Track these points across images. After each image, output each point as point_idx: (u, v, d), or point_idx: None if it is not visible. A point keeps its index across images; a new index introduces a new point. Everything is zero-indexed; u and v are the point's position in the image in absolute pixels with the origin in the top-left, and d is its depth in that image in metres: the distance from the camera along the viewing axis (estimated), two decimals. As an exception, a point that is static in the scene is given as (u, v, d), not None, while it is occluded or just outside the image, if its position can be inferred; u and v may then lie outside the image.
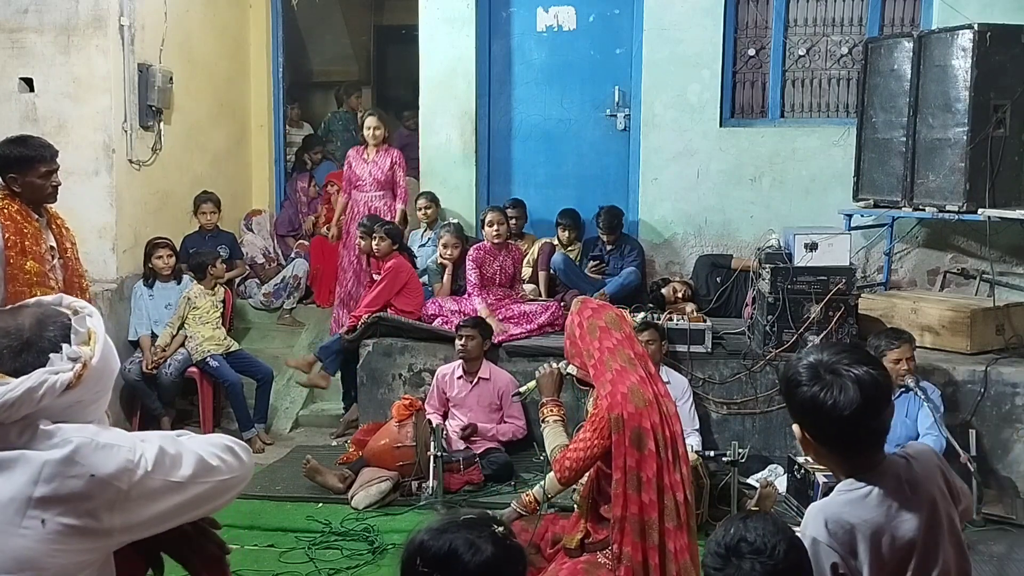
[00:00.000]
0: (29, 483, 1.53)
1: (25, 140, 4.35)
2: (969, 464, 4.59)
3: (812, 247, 5.42)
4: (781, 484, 4.97)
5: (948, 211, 5.67)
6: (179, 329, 6.30)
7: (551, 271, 6.64)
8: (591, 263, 6.77)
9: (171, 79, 6.79)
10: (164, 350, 6.22)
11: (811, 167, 6.78)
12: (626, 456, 3.16)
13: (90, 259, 5.87)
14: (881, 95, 6.06)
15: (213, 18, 7.56)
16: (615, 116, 7.19)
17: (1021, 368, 5.29)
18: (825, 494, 2.47)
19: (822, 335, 5.31)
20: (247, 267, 7.48)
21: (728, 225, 6.95)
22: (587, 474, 3.39)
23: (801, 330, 5.36)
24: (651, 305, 6.25)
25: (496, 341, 5.81)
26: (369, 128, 6.97)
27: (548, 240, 6.94)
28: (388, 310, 6.10)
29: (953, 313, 5.53)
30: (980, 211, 5.54)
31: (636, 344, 3.42)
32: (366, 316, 6.05)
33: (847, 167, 6.39)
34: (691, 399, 5.41)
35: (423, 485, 5.03)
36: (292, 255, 7.70)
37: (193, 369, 6.24)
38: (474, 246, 6.38)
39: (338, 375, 6.37)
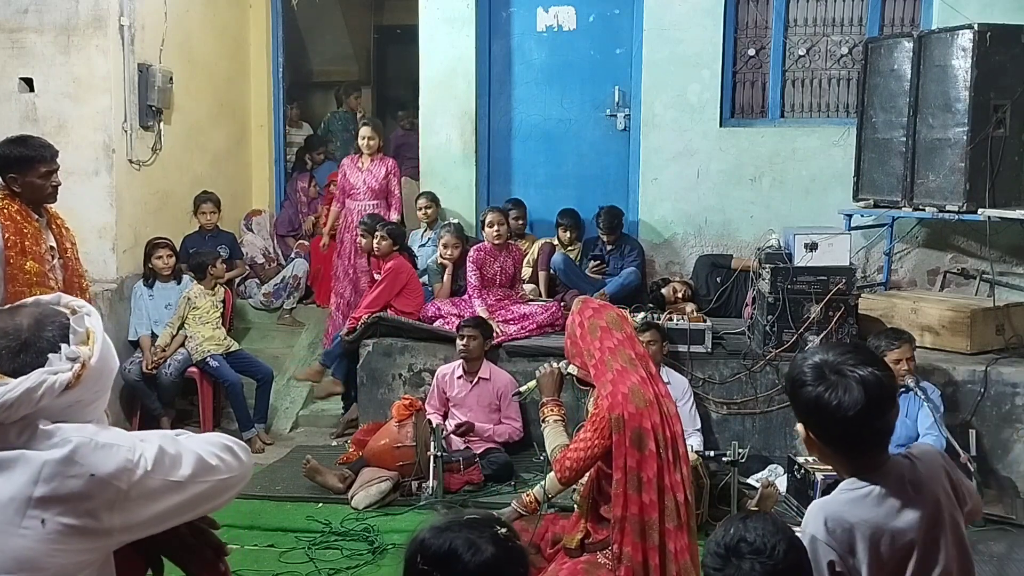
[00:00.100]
0: (29, 483, 1.52)
1: (25, 140, 4.34)
2: (969, 464, 4.61)
3: (812, 247, 5.42)
4: (781, 484, 4.96)
5: (948, 211, 5.67)
6: (179, 329, 6.29)
7: (551, 271, 6.64)
8: (591, 263, 6.76)
9: (171, 79, 6.79)
10: (164, 350, 6.22)
11: (811, 167, 6.78)
12: (627, 456, 3.16)
13: (90, 259, 5.87)
14: (881, 95, 6.05)
15: (213, 18, 7.56)
16: (615, 116, 7.19)
17: (1021, 368, 5.29)
18: (824, 492, 2.47)
19: (822, 335, 5.31)
20: (247, 267, 7.48)
21: (728, 225, 6.95)
22: (587, 474, 3.39)
23: (801, 330, 5.36)
24: (651, 305, 6.25)
25: (495, 342, 5.81)
26: (363, 138, 6.95)
27: (548, 240, 6.93)
28: (388, 310, 6.09)
29: (953, 313, 5.53)
30: (980, 211, 5.54)
31: (637, 344, 3.42)
32: (366, 316, 6.05)
33: (847, 167, 6.39)
34: (692, 399, 5.41)
35: (423, 485, 5.03)
36: (292, 255, 7.70)
37: (193, 369, 6.24)
38: (474, 247, 6.37)
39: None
